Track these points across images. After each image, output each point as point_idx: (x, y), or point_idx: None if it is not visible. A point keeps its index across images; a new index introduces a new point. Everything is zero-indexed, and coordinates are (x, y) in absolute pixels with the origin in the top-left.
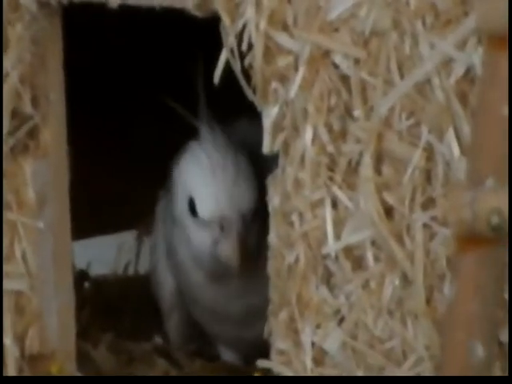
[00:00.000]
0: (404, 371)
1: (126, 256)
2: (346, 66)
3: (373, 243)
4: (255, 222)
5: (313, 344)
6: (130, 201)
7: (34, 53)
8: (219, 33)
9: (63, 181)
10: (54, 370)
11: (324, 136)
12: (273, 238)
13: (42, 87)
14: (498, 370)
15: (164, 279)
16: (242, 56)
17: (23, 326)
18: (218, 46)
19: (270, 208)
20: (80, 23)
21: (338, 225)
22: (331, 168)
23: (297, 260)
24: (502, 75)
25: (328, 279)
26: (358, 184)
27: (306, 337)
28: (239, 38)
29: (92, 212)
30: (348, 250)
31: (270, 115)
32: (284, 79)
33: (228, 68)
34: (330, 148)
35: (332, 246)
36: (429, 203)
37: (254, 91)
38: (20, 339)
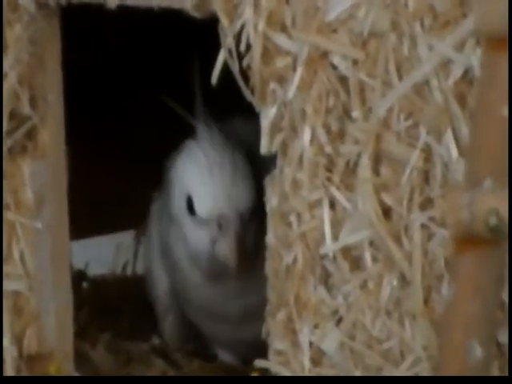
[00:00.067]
0: (402, 371)
1: (124, 256)
2: (344, 67)
3: (371, 244)
4: (253, 222)
5: (311, 344)
6: (129, 201)
7: (33, 53)
8: (217, 33)
9: (61, 181)
10: (52, 370)
11: (322, 137)
12: (271, 238)
13: (40, 88)
14: (496, 371)
15: (158, 279)
16: (240, 57)
17: (21, 326)
18: (216, 46)
19: (268, 208)
20: (78, 24)
21: (336, 225)
22: (329, 169)
23: (295, 260)
24: (501, 76)
25: (326, 279)
26: (356, 185)
27: (304, 337)
28: (237, 38)
29: (91, 212)
30: (346, 251)
31: (268, 116)
32: (282, 80)
33: (226, 68)
34: (328, 149)
35: (330, 247)
36: (427, 204)
37: (252, 92)
38: (18, 339)
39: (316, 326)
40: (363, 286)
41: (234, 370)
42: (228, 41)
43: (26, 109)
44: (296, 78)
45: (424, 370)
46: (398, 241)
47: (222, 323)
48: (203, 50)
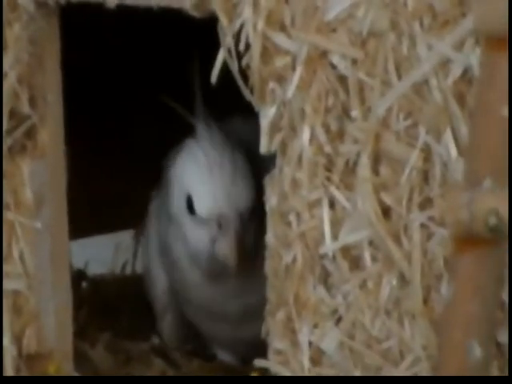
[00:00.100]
0: (401, 371)
1: (124, 255)
2: (343, 67)
3: (370, 243)
4: (252, 221)
5: (310, 344)
6: (128, 200)
7: (32, 53)
8: (217, 33)
9: (61, 181)
10: (52, 370)
11: (321, 136)
12: (270, 237)
13: (39, 87)
14: (496, 371)
15: (157, 278)
16: (240, 56)
17: (21, 326)
18: (215, 45)
19: (268, 208)
20: (78, 23)
21: (336, 225)
22: (329, 168)
23: (294, 260)
24: (501, 76)
25: (325, 279)
26: (355, 184)
27: (304, 337)
28: (237, 38)
29: (90, 212)
30: (345, 250)
31: (267, 115)
32: (281, 79)
33: (225, 68)
34: (328, 148)
35: (329, 246)
36: (426, 203)
37: (252, 91)
38: (17, 339)
39: (315, 326)
40: (363, 285)
41: (234, 370)
42: (227, 40)
43: (25, 108)
44: (295, 78)
45: (423, 370)
46: (397, 240)
47: (221, 323)
48: (203, 50)
